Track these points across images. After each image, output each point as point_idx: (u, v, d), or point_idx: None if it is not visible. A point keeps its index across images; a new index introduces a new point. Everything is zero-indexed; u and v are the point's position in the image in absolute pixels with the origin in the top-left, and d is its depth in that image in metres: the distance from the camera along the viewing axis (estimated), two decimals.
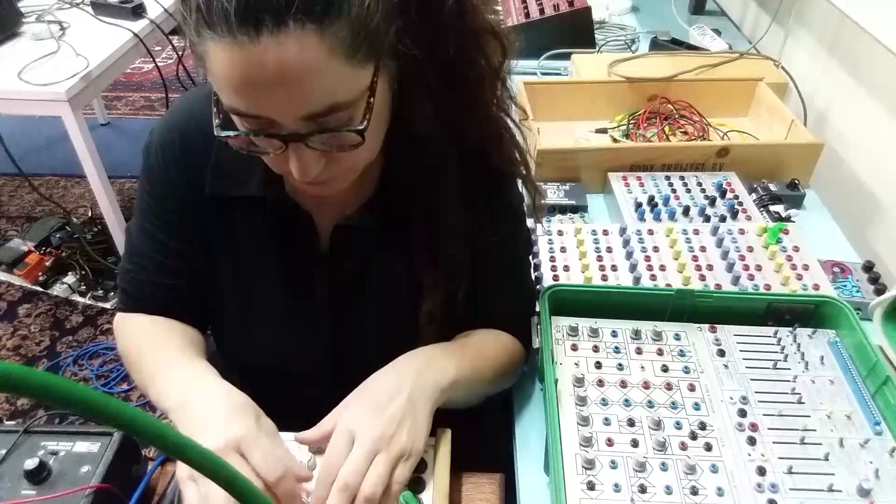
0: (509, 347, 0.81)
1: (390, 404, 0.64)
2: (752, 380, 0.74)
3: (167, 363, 0.73)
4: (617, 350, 0.77)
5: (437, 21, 0.59)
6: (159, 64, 2.40)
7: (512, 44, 0.67)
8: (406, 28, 0.58)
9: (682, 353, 0.77)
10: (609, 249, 0.98)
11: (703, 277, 0.94)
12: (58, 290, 2.14)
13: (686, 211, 1.08)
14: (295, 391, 0.79)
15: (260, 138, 0.59)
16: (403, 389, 0.65)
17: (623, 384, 0.73)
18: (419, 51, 0.59)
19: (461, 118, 0.67)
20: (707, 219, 1.07)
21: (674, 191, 1.13)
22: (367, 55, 0.55)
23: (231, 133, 0.59)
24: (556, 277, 0.94)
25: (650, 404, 0.71)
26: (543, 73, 1.54)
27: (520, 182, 0.79)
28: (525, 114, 0.75)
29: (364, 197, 0.74)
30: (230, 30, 0.50)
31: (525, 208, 0.81)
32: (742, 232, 1.01)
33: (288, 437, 0.67)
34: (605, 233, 1.01)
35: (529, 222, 0.84)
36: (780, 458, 0.67)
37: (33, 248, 2.19)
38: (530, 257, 0.91)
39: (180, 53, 2.22)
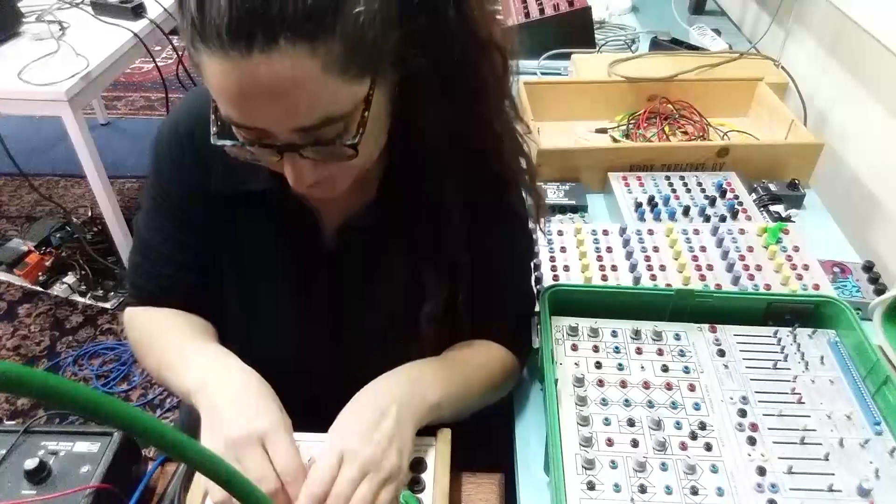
0: (502, 360, 0.80)
1: (379, 426, 0.64)
2: (752, 380, 0.74)
3: (184, 346, 0.74)
4: (617, 350, 0.77)
5: (440, 29, 0.60)
6: (159, 64, 2.40)
7: (514, 52, 0.67)
8: (409, 35, 0.58)
9: (682, 353, 0.77)
10: (609, 249, 0.98)
11: (703, 277, 0.94)
12: (58, 290, 2.14)
13: (686, 211, 1.08)
14: (297, 389, 0.79)
15: (255, 148, 0.59)
16: (391, 410, 0.65)
17: (623, 384, 0.73)
18: (422, 58, 0.59)
19: (463, 125, 0.67)
20: (707, 219, 1.07)
21: (674, 191, 1.13)
22: (361, 69, 0.55)
23: (228, 142, 0.59)
24: (556, 277, 0.94)
25: (650, 404, 0.71)
26: (543, 73, 1.53)
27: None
28: (528, 129, 0.76)
29: (368, 196, 0.74)
30: (222, 45, 0.50)
31: (527, 210, 0.81)
32: (742, 232, 1.01)
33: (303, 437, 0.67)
34: (605, 233, 1.01)
35: (530, 225, 0.84)
36: (780, 458, 0.67)
37: (33, 248, 2.19)
38: (531, 263, 0.90)
39: (180, 53, 2.22)
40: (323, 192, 0.64)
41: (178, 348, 0.74)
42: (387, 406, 0.66)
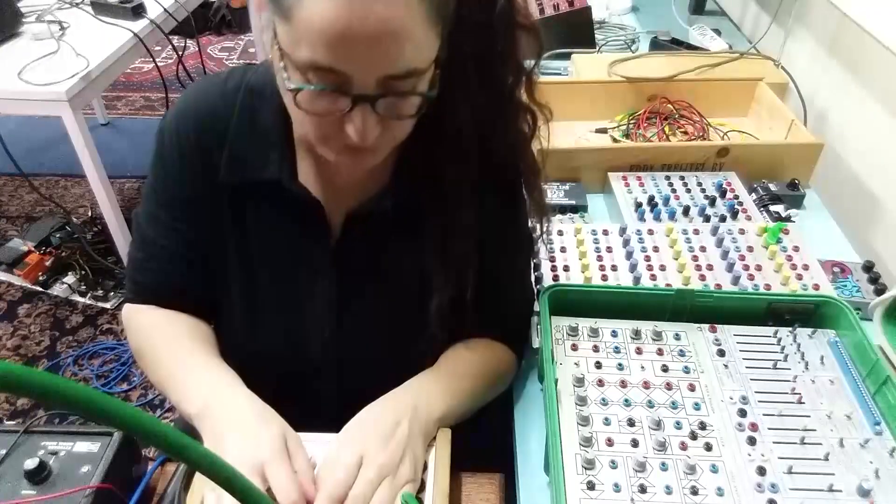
0: (502, 361, 0.81)
1: (394, 434, 0.65)
2: (752, 380, 0.74)
3: (186, 364, 0.74)
4: (617, 350, 0.77)
5: (489, 16, 0.61)
6: (159, 64, 2.41)
7: (544, 49, 0.68)
8: (461, 18, 0.59)
9: (682, 353, 0.77)
10: (609, 249, 0.98)
11: (703, 277, 0.94)
12: (58, 290, 2.14)
13: (686, 211, 1.08)
14: (297, 386, 0.79)
15: (328, 95, 0.57)
16: (403, 422, 0.66)
17: (623, 384, 0.73)
18: (469, 44, 0.61)
19: (495, 115, 0.68)
20: (707, 219, 1.07)
21: (674, 191, 1.13)
22: (443, 27, 0.57)
23: (308, 87, 0.57)
24: (556, 277, 0.94)
25: (650, 404, 0.71)
26: (543, 73, 1.53)
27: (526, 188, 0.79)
28: (548, 115, 0.76)
29: (377, 187, 0.74)
30: None
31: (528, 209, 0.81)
32: (742, 232, 1.01)
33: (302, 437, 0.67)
34: (605, 233, 1.01)
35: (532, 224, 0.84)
36: (780, 458, 0.67)
37: (33, 248, 2.19)
38: (531, 262, 0.91)
39: (180, 53, 2.22)
40: (362, 161, 0.64)
41: (179, 366, 0.74)
42: (400, 417, 0.67)
